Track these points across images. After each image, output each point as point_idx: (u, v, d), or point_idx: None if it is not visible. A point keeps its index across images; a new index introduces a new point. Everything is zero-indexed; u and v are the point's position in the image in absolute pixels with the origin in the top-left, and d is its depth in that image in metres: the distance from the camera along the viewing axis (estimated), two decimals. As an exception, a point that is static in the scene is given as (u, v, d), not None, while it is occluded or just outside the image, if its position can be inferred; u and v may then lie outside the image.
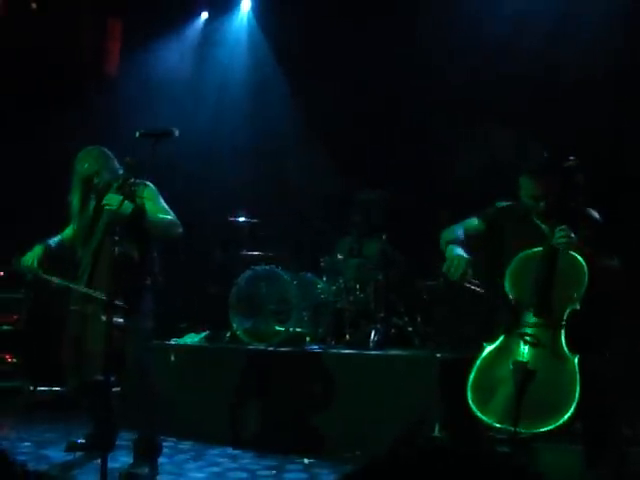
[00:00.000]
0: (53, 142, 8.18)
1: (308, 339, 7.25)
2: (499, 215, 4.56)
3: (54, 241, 5.45)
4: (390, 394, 5.81)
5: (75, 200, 5.26)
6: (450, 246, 4.36)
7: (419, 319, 7.46)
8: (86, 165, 5.19)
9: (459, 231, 4.52)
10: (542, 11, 7.76)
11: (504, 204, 4.60)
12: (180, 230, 5.12)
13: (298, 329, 7.26)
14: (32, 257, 5.25)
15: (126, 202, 4.80)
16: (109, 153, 5.31)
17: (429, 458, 1.92)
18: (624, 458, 4.11)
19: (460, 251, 4.31)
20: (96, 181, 5.19)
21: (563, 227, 4.14)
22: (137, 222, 4.89)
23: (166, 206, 5.15)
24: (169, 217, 5.09)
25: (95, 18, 9.57)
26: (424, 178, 8.25)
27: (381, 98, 8.82)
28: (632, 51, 7.14)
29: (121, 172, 5.11)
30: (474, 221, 4.58)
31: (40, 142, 8.38)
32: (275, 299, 7.38)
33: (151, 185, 5.13)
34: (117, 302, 4.49)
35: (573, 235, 4.11)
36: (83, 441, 5.63)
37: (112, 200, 4.81)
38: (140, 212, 4.90)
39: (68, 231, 5.47)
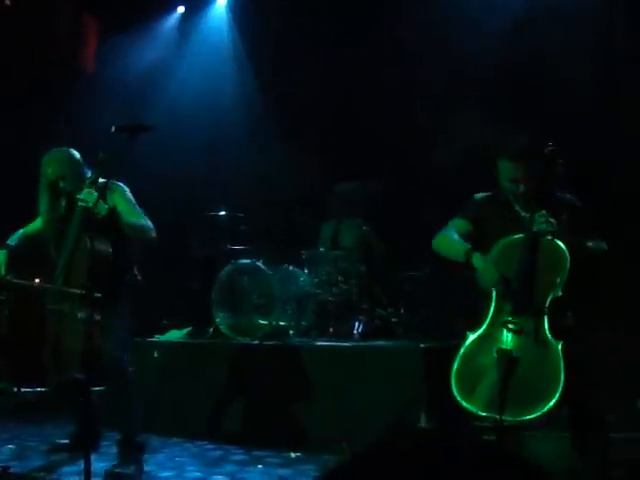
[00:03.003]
0: (29, 137, 8.09)
1: (292, 332, 7.24)
2: (480, 208, 4.50)
3: (14, 239, 5.40)
4: (375, 385, 5.80)
5: (43, 201, 5.19)
6: (475, 255, 4.23)
7: (402, 310, 7.45)
8: (50, 169, 5.11)
9: (457, 235, 4.41)
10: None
11: (482, 195, 4.55)
12: (153, 235, 5.05)
13: (281, 322, 7.24)
14: None
15: (100, 201, 4.76)
16: (76, 157, 5.19)
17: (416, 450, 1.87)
18: (609, 444, 4.10)
19: (486, 259, 4.21)
20: (62, 185, 5.12)
21: (542, 213, 4.10)
22: (111, 223, 4.85)
23: (138, 208, 5.08)
24: (142, 222, 5.02)
25: (71, 13, 9.50)
26: (404, 168, 8.24)
27: (359, 89, 8.80)
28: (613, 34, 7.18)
29: (89, 175, 5.06)
30: (460, 222, 4.49)
31: (15, 137, 8.29)
32: (257, 293, 7.35)
33: (121, 185, 5.07)
34: (96, 294, 4.46)
35: (553, 220, 4.09)
36: (66, 441, 5.58)
37: (88, 196, 4.77)
38: (114, 214, 4.86)
39: (34, 225, 5.40)
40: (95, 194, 4.76)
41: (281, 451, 5.71)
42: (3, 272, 5.20)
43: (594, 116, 7.15)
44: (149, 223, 5.04)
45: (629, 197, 6.73)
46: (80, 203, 4.80)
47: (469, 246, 4.30)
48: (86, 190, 4.81)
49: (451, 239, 4.42)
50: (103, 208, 4.79)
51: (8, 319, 8.07)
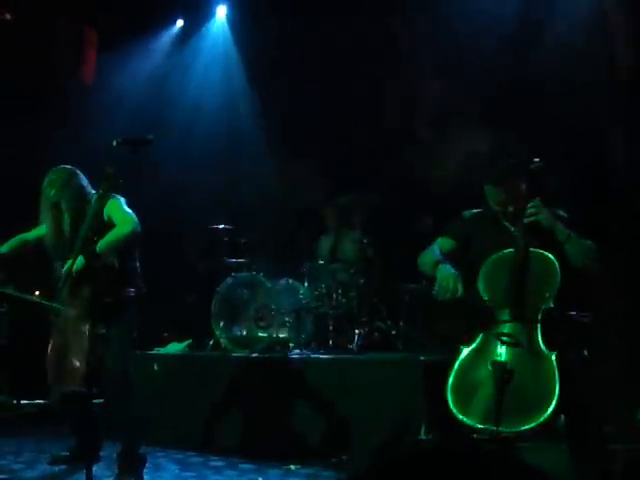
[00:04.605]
0: (30, 150, 8.12)
1: (291, 345, 7.25)
2: (467, 225, 4.56)
3: (7, 246, 5.42)
4: (375, 398, 5.81)
5: (47, 221, 5.23)
6: (439, 266, 4.30)
7: (402, 322, 7.46)
8: (52, 192, 5.16)
9: (437, 251, 4.48)
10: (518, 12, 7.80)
11: (471, 212, 4.61)
12: (133, 228, 4.94)
13: (281, 335, 7.26)
14: None
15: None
16: (77, 177, 5.24)
17: (423, 460, 1.90)
18: (608, 455, 4.12)
19: (449, 268, 4.27)
20: (63, 207, 5.17)
21: (535, 201, 4.20)
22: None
23: (125, 213, 5.02)
24: (123, 227, 4.96)
25: (71, 27, 9.54)
26: (403, 180, 8.26)
27: (358, 102, 8.84)
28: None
29: (92, 192, 5.13)
30: (443, 240, 4.55)
31: (16, 150, 8.32)
32: (257, 306, 7.38)
33: (117, 197, 5.07)
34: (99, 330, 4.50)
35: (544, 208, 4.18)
36: (67, 454, 5.59)
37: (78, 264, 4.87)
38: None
39: (35, 233, 5.42)
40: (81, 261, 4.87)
41: (281, 463, 5.70)
42: None
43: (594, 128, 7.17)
44: (129, 222, 4.96)
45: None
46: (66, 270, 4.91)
47: (439, 259, 4.37)
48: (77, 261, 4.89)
49: (428, 255, 4.49)
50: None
51: (9, 331, 8.10)
